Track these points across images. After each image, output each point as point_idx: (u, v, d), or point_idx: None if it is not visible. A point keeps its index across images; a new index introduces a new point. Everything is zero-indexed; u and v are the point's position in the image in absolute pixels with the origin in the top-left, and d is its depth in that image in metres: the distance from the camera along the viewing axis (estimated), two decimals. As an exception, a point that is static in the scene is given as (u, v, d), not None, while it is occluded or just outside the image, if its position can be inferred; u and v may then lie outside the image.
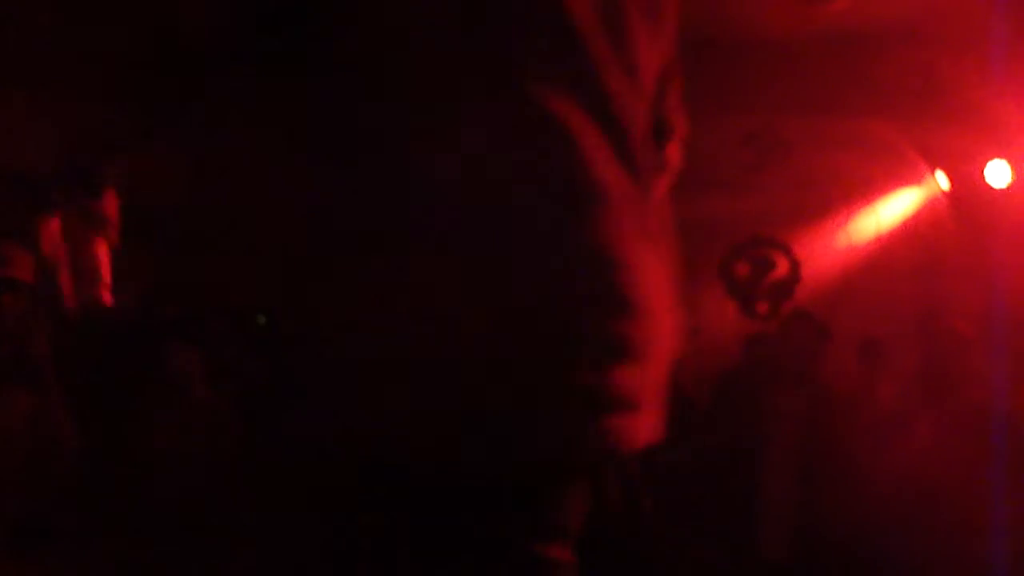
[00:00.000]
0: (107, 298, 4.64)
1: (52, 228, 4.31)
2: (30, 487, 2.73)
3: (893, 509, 3.72)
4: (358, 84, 1.30)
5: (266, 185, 1.47)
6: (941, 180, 6.60)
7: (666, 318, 1.38)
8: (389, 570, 1.23)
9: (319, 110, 1.36)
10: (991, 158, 6.25)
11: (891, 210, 6.64)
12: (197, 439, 3.98)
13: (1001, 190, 6.22)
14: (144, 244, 6.59)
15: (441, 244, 1.17)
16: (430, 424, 1.17)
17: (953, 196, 6.58)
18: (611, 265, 1.25)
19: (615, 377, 1.22)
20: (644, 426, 1.30)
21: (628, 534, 4.21)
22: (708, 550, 4.20)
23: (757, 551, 4.05)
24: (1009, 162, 6.21)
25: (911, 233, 6.62)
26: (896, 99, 6.50)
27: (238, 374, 4.34)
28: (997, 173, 6.21)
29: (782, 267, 6.68)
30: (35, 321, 2.84)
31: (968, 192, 6.44)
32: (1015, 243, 5.96)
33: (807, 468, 3.99)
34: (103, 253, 4.40)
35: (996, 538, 3.39)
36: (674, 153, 1.67)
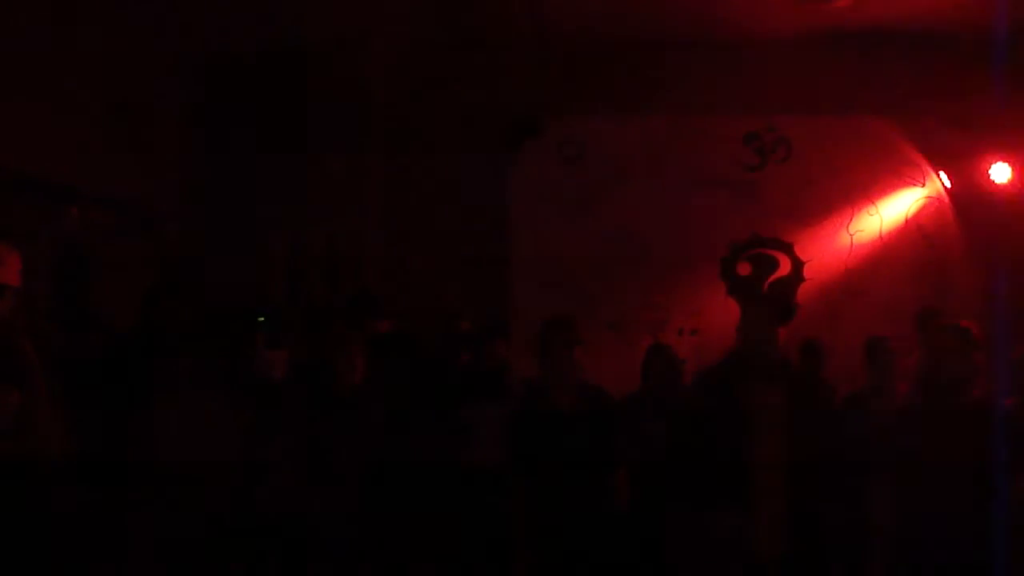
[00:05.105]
0: None
1: None
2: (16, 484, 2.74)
3: (893, 506, 3.71)
4: None
5: None
6: (943, 179, 6.59)
7: None
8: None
9: None
10: (992, 158, 6.24)
11: (892, 210, 6.63)
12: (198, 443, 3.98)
13: (1002, 190, 6.21)
14: (144, 244, 6.61)
15: None
16: None
17: (954, 195, 6.57)
18: None
19: None
20: None
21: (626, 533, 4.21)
22: (703, 545, 4.20)
23: (751, 547, 4.05)
24: (1009, 162, 6.21)
25: (913, 233, 6.61)
26: (896, 99, 6.50)
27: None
28: (998, 173, 6.21)
29: (784, 267, 6.67)
30: (22, 322, 2.85)
31: (969, 191, 6.43)
32: (1016, 242, 5.95)
33: (794, 462, 4.00)
34: None
35: (995, 537, 3.38)
36: None
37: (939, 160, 6.56)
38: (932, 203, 6.62)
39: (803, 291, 6.64)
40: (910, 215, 6.63)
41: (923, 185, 6.63)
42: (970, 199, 6.43)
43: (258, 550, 3.97)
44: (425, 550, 4.15)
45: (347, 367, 4.09)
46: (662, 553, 4.42)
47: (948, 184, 6.58)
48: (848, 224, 6.64)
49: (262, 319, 5.13)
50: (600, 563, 4.03)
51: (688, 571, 4.30)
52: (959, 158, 6.45)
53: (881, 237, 6.63)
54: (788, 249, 6.67)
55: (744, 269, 6.67)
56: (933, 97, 6.44)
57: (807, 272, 6.65)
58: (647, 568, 4.38)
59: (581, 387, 4.25)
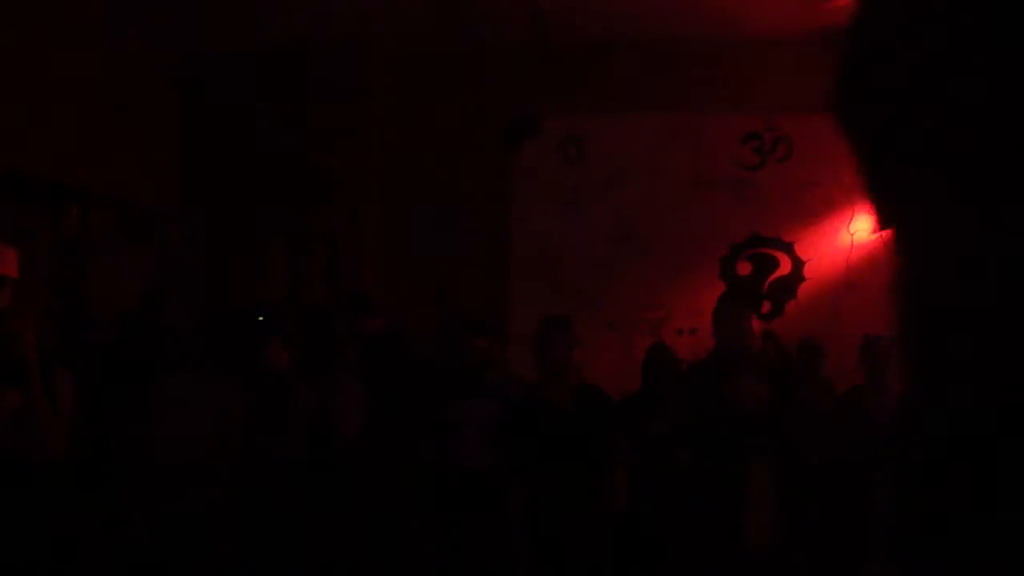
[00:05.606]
0: None
1: None
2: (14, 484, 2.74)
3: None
4: None
5: None
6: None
7: None
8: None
9: None
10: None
11: (892, 209, 6.63)
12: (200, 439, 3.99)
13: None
14: (144, 244, 6.61)
15: None
16: None
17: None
18: None
19: None
20: None
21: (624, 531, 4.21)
22: (694, 539, 4.21)
23: (742, 540, 4.06)
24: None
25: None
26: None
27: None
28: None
29: (784, 266, 6.67)
30: (21, 316, 2.85)
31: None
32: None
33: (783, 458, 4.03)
34: None
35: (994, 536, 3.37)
36: None
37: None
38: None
39: (803, 290, 6.64)
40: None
41: (923, 184, 6.63)
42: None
43: (257, 547, 3.97)
44: (422, 550, 4.16)
45: (347, 413, 4.04)
46: (662, 553, 4.42)
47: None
48: (848, 223, 6.64)
49: (261, 319, 5.13)
50: (599, 563, 4.03)
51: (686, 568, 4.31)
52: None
53: (881, 236, 6.62)
54: (788, 248, 6.67)
55: (744, 269, 6.67)
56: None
57: (807, 271, 6.66)
58: (646, 568, 4.38)
59: (579, 387, 4.26)
